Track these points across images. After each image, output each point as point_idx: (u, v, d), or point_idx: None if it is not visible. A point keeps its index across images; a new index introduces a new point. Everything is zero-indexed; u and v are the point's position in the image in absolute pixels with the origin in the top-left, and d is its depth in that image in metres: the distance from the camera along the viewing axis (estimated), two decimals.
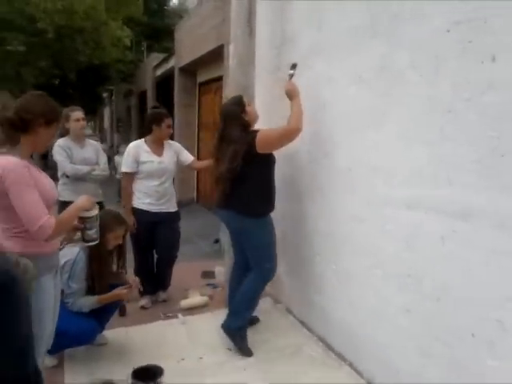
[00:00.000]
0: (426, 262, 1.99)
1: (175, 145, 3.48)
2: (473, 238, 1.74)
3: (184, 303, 3.37)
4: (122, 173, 3.32)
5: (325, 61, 2.71)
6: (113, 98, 20.40)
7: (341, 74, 2.54)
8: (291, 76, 2.72)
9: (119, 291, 2.50)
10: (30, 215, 1.66)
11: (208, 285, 3.86)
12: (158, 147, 3.32)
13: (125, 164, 3.27)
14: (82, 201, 1.88)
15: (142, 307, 3.36)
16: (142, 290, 3.02)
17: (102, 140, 19.33)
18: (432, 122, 1.91)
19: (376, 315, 2.34)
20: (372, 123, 2.30)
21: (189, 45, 7.19)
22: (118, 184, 7.27)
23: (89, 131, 15.69)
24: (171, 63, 9.04)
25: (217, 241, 5.42)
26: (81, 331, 2.37)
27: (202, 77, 7.91)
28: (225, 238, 3.39)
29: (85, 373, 2.44)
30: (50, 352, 2.22)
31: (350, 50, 2.45)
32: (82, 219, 1.86)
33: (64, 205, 2.68)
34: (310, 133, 2.82)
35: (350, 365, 2.56)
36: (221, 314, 3.10)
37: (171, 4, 20.10)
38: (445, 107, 1.83)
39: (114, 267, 2.67)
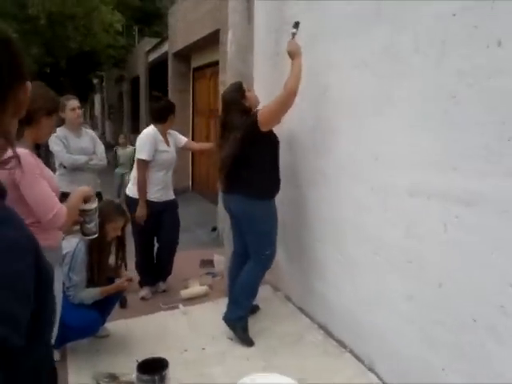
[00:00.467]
0: (428, 249, 1.99)
1: (172, 132, 3.44)
2: (476, 225, 1.74)
3: (184, 293, 3.37)
4: (140, 161, 3.18)
5: (326, 45, 2.67)
6: (103, 84, 20.11)
7: (343, 58, 2.50)
8: (294, 35, 2.67)
9: (121, 282, 2.49)
10: (43, 204, 1.66)
11: (207, 274, 3.86)
12: (165, 137, 3.31)
13: (144, 151, 3.15)
14: (84, 188, 1.85)
15: (143, 298, 3.35)
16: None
17: (93, 127, 19.11)
18: (436, 108, 1.88)
19: (378, 302, 2.35)
20: (375, 108, 2.27)
21: (183, 30, 7.07)
22: (120, 179, 6.84)
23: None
24: (164, 48, 8.89)
25: (214, 229, 5.42)
26: (84, 323, 2.36)
27: (197, 62, 7.80)
28: (224, 225, 3.38)
29: (88, 366, 2.44)
30: (54, 346, 2.21)
31: (353, 33, 2.41)
32: (82, 212, 1.83)
33: (62, 196, 2.64)
34: (311, 118, 2.80)
35: (351, 351, 2.58)
36: (221, 303, 3.11)
37: None
38: (449, 92, 1.81)
39: (113, 259, 2.65)
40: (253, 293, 2.81)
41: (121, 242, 2.63)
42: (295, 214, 3.10)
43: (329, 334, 2.79)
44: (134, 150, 3.57)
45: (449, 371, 1.91)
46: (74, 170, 3.29)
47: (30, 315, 0.53)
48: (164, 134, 3.28)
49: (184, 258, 3.93)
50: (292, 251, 3.21)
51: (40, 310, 0.56)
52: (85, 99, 19.03)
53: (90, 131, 3.66)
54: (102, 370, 2.38)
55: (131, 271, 3.00)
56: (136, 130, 12.34)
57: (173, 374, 2.13)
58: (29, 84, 0.65)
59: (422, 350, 2.06)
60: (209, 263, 4.07)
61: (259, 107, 2.71)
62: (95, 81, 19.67)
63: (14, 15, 9.91)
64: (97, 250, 2.43)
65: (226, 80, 3.28)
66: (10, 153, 0.63)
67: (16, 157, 0.64)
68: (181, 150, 3.55)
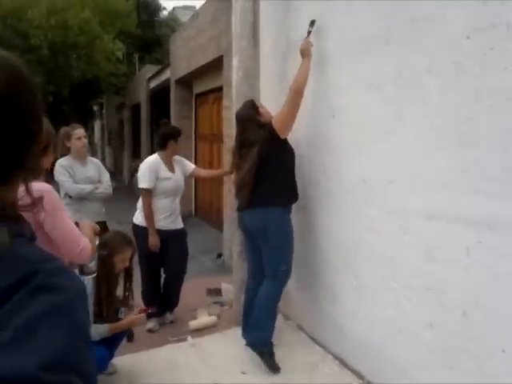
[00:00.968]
0: (449, 274, 1.91)
1: (179, 159, 3.40)
2: (501, 248, 1.67)
3: (193, 324, 3.25)
4: (143, 190, 3.14)
5: (333, 68, 2.67)
6: (103, 110, 20.30)
7: (352, 81, 2.49)
8: (309, 33, 2.73)
9: (132, 319, 2.39)
10: (70, 240, 1.60)
11: (215, 303, 3.75)
12: (170, 163, 3.25)
13: (145, 180, 3.12)
14: (91, 223, 1.79)
15: (150, 330, 3.23)
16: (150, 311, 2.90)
17: (93, 154, 19.17)
18: (453, 129, 1.85)
19: (396, 330, 2.25)
20: (387, 130, 2.24)
21: (185, 56, 7.15)
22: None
23: None
24: (166, 75, 8.98)
25: (220, 255, 5.33)
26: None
27: (199, 88, 7.87)
28: (230, 251, 3.31)
29: None
30: None
31: (362, 56, 2.40)
32: None
33: None
34: (320, 141, 2.77)
35: (369, 383, 2.47)
36: (231, 334, 3.01)
37: (161, 15, 20.14)
38: (467, 114, 1.78)
39: (121, 290, 2.56)
40: (274, 312, 2.75)
41: (128, 272, 2.55)
42: (305, 238, 3.02)
43: (344, 364, 2.68)
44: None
45: None
46: (80, 199, 3.24)
47: None
48: (168, 161, 3.23)
49: (190, 287, 3.82)
50: (303, 277, 3.12)
51: None
52: (84, 126, 19.18)
53: (95, 160, 3.62)
54: None
55: (138, 302, 2.91)
56: (137, 156, 12.38)
57: None
58: (46, 121, 0.61)
59: (445, 378, 1.96)
60: (216, 292, 3.96)
61: None
62: (95, 108, 19.87)
63: (16, 45, 10.06)
64: (105, 283, 2.35)
65: (231, 105, 3.29)
66: (37, 193, 0.58)
67: (40, 200, 0.59)
68: (188, 178, 3.51)
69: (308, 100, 2.71)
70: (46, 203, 1.54)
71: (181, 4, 20.15)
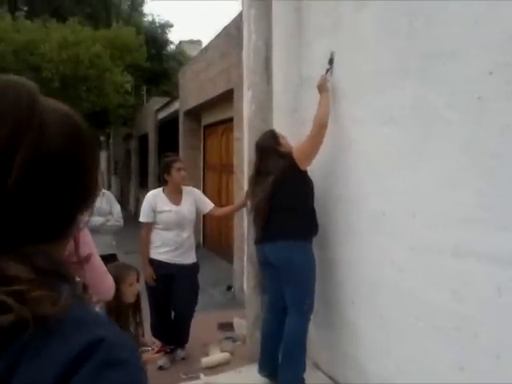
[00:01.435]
0: (480, 315, 1.83)
1: (195, 192, 3.37)
2: None
3: (205, 362, 3.14)
4: (142, 223, 3.21)
5: (348, 102, 2.67)
6: (110, 141, 20.55)
7: (368, 114, 2.48)
8: (327, 70, 2.76)
9: (147, 357, 2.30)
10: (105, 281, 1.56)
11: (226, 338, 3.63)
12: (175, 196, 3.21)
13: (142, 213, 3.18)
14: None
15: (161, 368, 3.12)
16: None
17: None
18: (479, 165, 1.81)
19: (422, 372, 2.15)
20: (406, 164, 2.21)
21: (194, 89, 7.27)
22: None
23: None
24: (174, 107, 9.13)
25: (229, 288, 5.23)
26: None
27: (207, 119, 7.97)
28: (240, 284, 3.24)
29: None
30: None
31: (377, 89, 2.40)
32: None
33: None
34: (336, 173, 2.76)
35: None
36: (245, 372, 2.90)
37: (168, 49, 20.67)
38: (493, 150, 1.75)
39: (131, 325, 2.48)
40: (305, 346, 2.68)
41: (136, 307, 2.48)
42: (323, 273, 2.94)
43: None
44: None
45: None
46: (91, 231, 3.19)
47: None
48: (171, 193, 3.19)
49: (200, 321, 3.71)
50: (320, 313, 3.02)
51: None
52: None
53: (107, 192, 3.61)
54: None
55: (148, 336, 2.82)
56: (144, 186, 12.42)
57: None
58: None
59: None
60: (227, 326, 3.85)
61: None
62: (102, 138, 20.11)
63: (28, 78, 10.25)
64: (116, 315, 2.28)
65: (242, 136, 3.29)
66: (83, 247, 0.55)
67: (88, 258, 0.56)
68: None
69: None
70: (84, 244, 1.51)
71: (187, 38, 20.68)
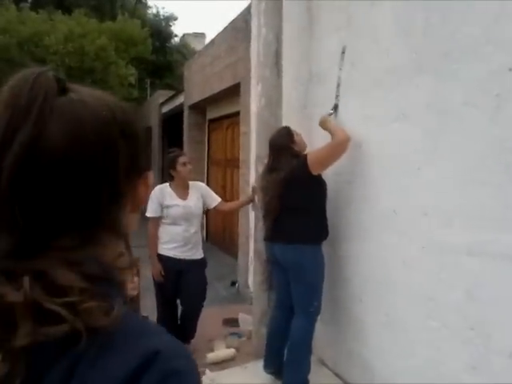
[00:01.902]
0: (495, 314, 1.81)
1: (201, 187, 3.35)
2: None
3: (211, 357, 3.13)
4: (149, 218, 3.17)
5: (359, 98, 2.64)
6: None
7: (380, 111, 2.45)
8: (330, 114, 2.73)
9: None
10: None
11: (232, 334, 3.63)
12: (182, 190, 3.18)
13: (150, 208, 3.13)
14: None
15: None
16: None
17: None
18: (497, 162, 1.78)
19: (433, 372, 2.13)
20: (419, 161, 2.18)
21: (200, 83, 7.23)
22: None
23: None
24: (179, 100, 9.08)
25: (234, 283, 5.22)
26: None
27: (213, 113, 7.93)
28: (245, 279, 3.23)
29: None
30: None
31: (390, 86, 2.37)
32: None
33: None
34: (347, 172, 2.72)
35: None
36: (250, 368, 2.90)
37: (172, 42, 20.60)
38: (511, 147, 1.72)
39: None
40: (311, 349, 2.67)
41: (135, 301, 2.48)
42: (332, 270, 2.92)
43: None
44: None
45: None
46: None
47: None
48: (178, 187, 3.17)
49: (205, 316, 3.69)
50: (328, 310, 3.00)
51: None
52: None
53: None
54: None
55: None
56: None
57: None
58: (150, 174, 0.55)
59: None
60: (232, 322, 3.85)
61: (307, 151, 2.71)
62: None
63: None
64: None
65: (249, 131, 3.26)
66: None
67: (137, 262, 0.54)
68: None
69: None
70: None
71: (190, 31, 20.60)
